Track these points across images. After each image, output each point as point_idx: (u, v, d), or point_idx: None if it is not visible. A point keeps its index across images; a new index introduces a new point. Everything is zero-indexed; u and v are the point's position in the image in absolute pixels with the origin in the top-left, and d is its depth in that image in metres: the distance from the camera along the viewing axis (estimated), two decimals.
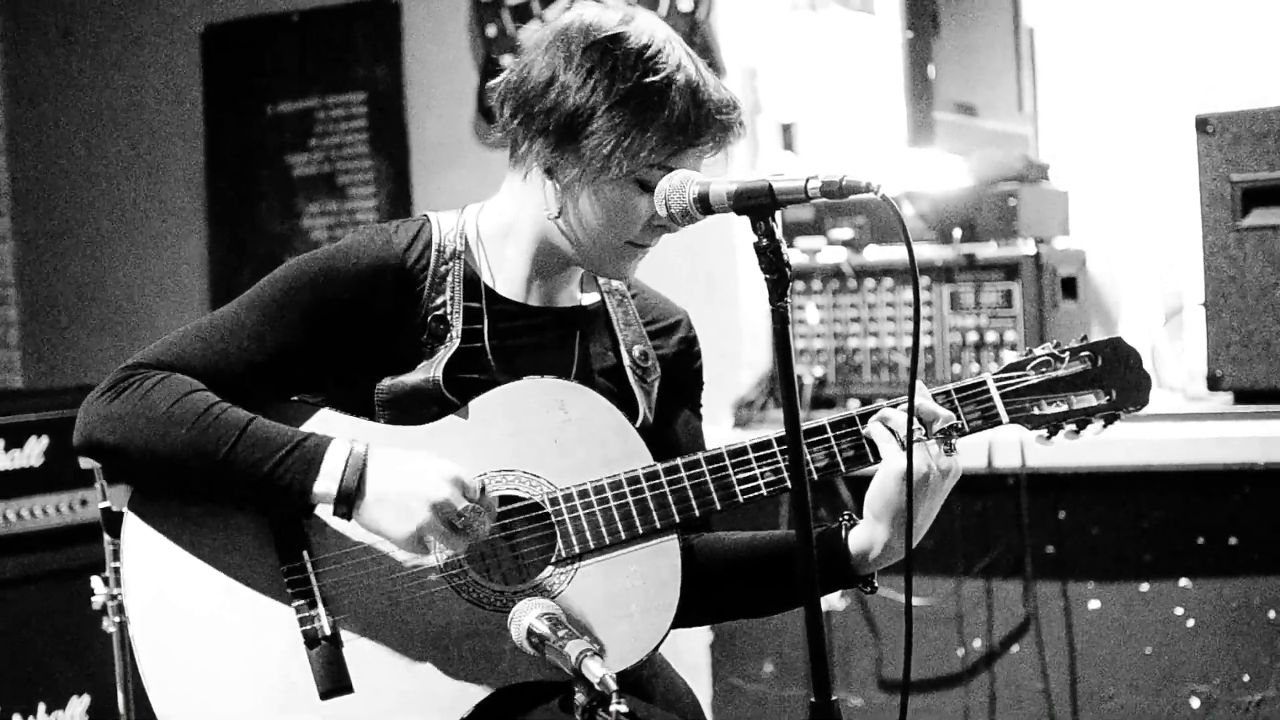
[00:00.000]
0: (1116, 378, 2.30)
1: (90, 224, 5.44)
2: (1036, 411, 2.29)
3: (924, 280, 3.85)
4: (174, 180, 5.29)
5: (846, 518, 2.31)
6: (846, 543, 2.28)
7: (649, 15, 2.27)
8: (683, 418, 2.45)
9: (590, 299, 2.41)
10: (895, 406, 2.24)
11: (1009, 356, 2.33)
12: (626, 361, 2.36)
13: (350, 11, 4.95)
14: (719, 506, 2.24)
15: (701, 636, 4.08)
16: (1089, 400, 2.30)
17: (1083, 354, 2.30)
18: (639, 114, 2.15)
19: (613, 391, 2.33)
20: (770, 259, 1.96)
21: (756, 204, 1.99)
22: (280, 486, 2.12)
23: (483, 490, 2.14)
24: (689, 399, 2.47)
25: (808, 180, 1.97)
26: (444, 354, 2.24)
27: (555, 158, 2.21)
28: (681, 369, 2.45)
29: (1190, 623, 3.58)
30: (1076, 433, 2.30)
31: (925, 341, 3.84)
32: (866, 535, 2.26)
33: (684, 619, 2.29)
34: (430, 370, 2.23)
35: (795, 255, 3.99)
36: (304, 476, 2.12)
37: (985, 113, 4.09)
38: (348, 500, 2.12)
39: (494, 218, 2.33)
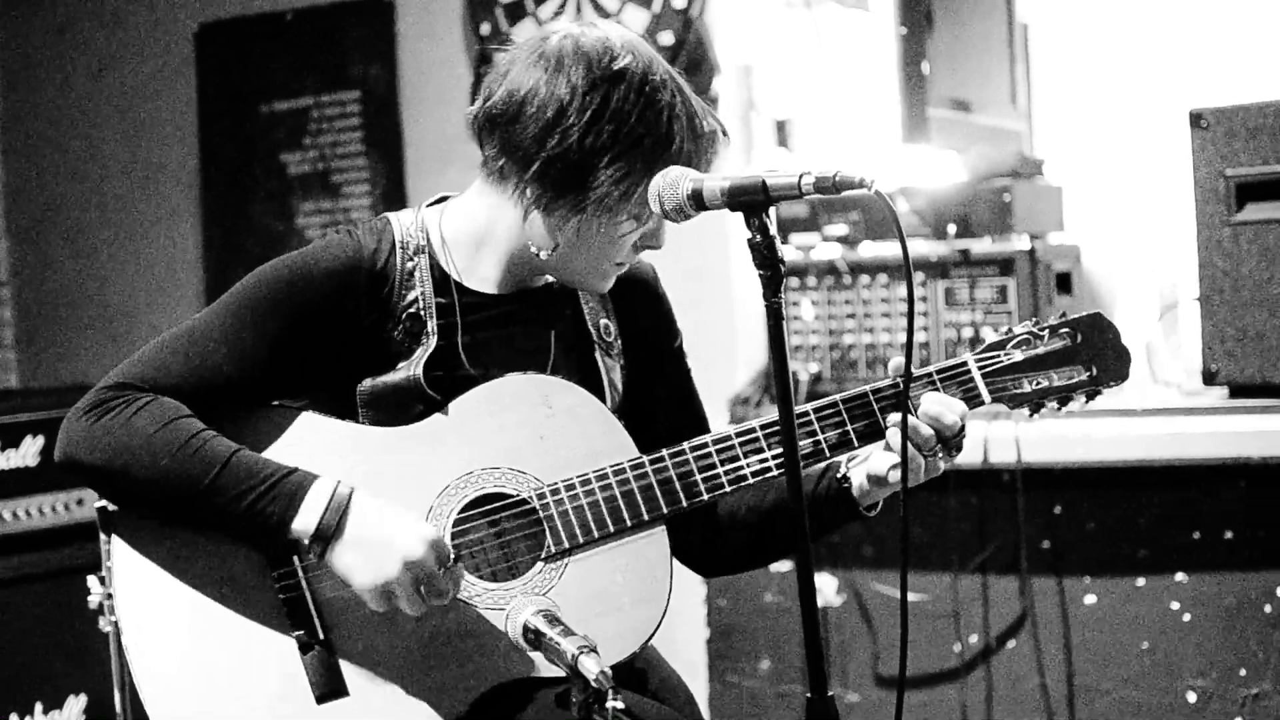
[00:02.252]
0: (1097, 353, 2.32)
1: (85, 222, 5.44)
2: (1018, 390, 2.30)
3: (918, 276, 3.84)
4: (168, 178, 5.29)
5: (840, 474, 2.34)
6: (850, 489, 2.32)
7: (627, 34, 2.23)
8: (668, 375, 2.47)
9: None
10: (878, 399, 2.25)
11: (990, 336, 2.34)
12: (593, 336, 2.37)
13: (344, 10, 4.95)
14: (706, 497, 2.25)
15: (698, 633, 4.08)
16: (1070, 376, 2.32)
17: (1062, 330, 2.32)
18: (644, 159, 2.15)
19: (582, 367, 2.34)
20: (764, 255, 1.97)
21: (750, 200, 1.99)
22: (260, 520, 2.11)
23: (455, 560, 2.15)
24: (669, 355, 2.48)
25: (802, 176, 1.97)
26: (422, 352, 2.24)
27: (553, 198, 2.19)
28: (653, 327, 2.46)
29: (1186, 617, 3.58)
30: (1058, 409, 2.32)
31: (920, 337, 3.84)
32: (869, 491, 2.31)
33: (726, 568, 2.48)
34: (411, 368, 2.23)
35: (790, 251, 3.99)
36: (285, 509, 2.11)
37: (979, 108, 4.09)
38: (324, 539, 2.12)
39: (463, 223, 2.31)
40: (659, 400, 2.44)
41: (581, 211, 2.18)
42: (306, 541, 2.12)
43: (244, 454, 2.14)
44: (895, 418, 2.22)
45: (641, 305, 2.45)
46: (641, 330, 2.44)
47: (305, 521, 2.11)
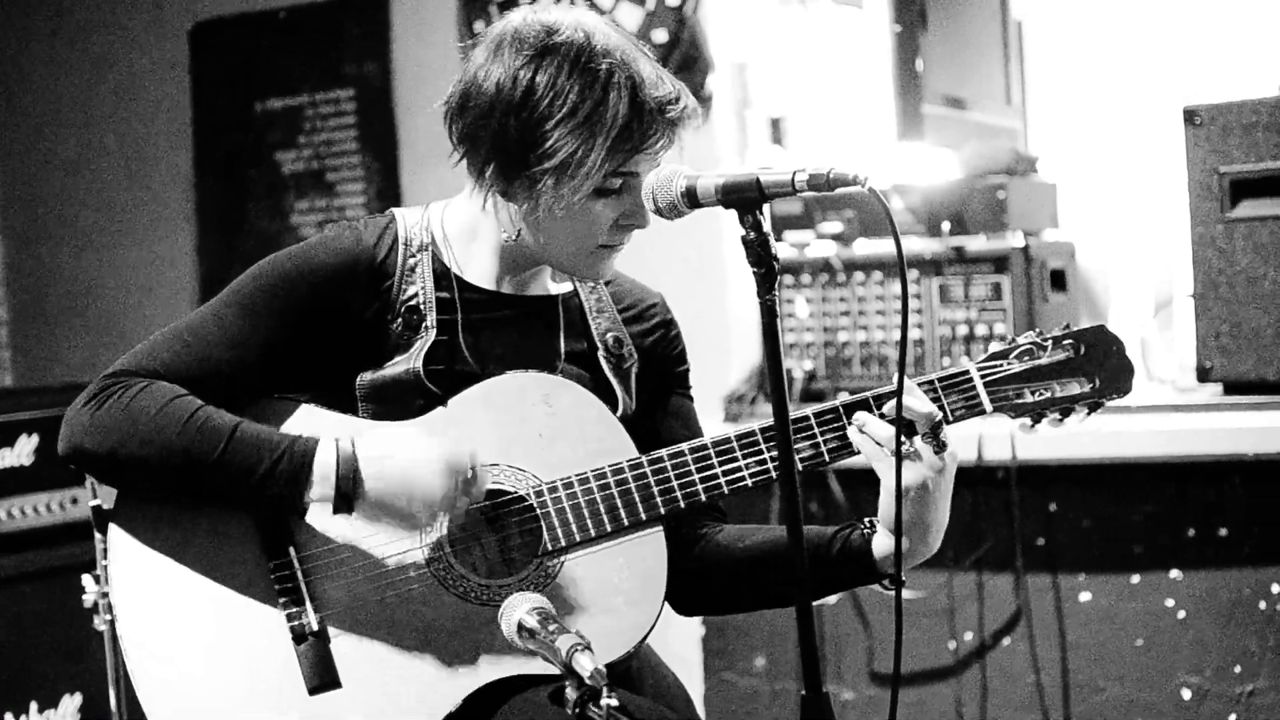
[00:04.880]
0: (1099, 365, 2.29)
1: (79, 222, 5.43)
2: (1020, 400, 2.27)
3: (913, 273, 3.84)
4: (163, 177, 5.28)
5: (867, 525, 2.30)
6: (871, 549, 2.29)
7: (580, 14, 2.21)
8: (672, 404, 2.45)
9: (562, 288, 2.40)
10: (879, 405, 2.23)
11: (993, 345, 2.32)
12: (600, 350, 2.37)
13: (338, 8, 4.94)
14: (704, 498, 2.24)
15: (693, 630, 4.08)
16: (1072, 388, 2.29)
17: (1065, 342, 2.29)
18: (581, 133, 2.12)
19: (588, 380, 2.33)
20: (758, 253, 1.96)
21: (744, 198, 1.98)
22: (272, 494, 2.13)
23: (473, 470, 2.15)
24: (675, 382, 2.47)
25: (795, 173, 1.97)
26: (421, 345, 2.24)
27: (507, 184, 2.19)
28: (662, 354, 2.45)
29: (1181, 614, 3.58)
30: (1060, 421, 2.29)
31: (914, 335, 3.85)
32: (889, 544, 2.26)
33: (712, 607, 2.60)
34: (410, 362, 2.23)
35: (784, 249, 3.99)
36: (295, 483, 2.12)
37: (974, 106, 4.09)
38: (347, 501, 2.13)
39: (458, 220, 2.33)
40: (662, 425, 2.42)
41: (536, 191, 2.16)
42: (329, 507, 2.13)
43: (247, 425, 2.15)
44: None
45: (648, 329, 2.44)
46: (649, 357, 2.43)
47: (321, 491, 2.13)
